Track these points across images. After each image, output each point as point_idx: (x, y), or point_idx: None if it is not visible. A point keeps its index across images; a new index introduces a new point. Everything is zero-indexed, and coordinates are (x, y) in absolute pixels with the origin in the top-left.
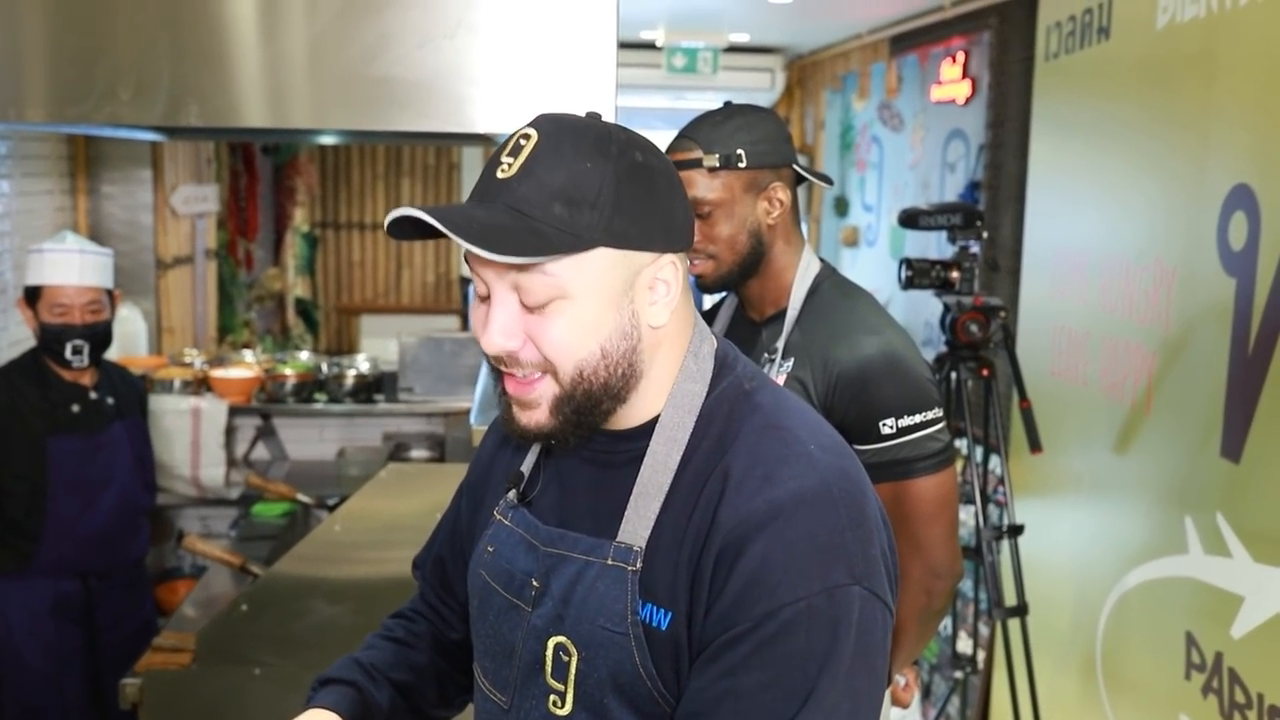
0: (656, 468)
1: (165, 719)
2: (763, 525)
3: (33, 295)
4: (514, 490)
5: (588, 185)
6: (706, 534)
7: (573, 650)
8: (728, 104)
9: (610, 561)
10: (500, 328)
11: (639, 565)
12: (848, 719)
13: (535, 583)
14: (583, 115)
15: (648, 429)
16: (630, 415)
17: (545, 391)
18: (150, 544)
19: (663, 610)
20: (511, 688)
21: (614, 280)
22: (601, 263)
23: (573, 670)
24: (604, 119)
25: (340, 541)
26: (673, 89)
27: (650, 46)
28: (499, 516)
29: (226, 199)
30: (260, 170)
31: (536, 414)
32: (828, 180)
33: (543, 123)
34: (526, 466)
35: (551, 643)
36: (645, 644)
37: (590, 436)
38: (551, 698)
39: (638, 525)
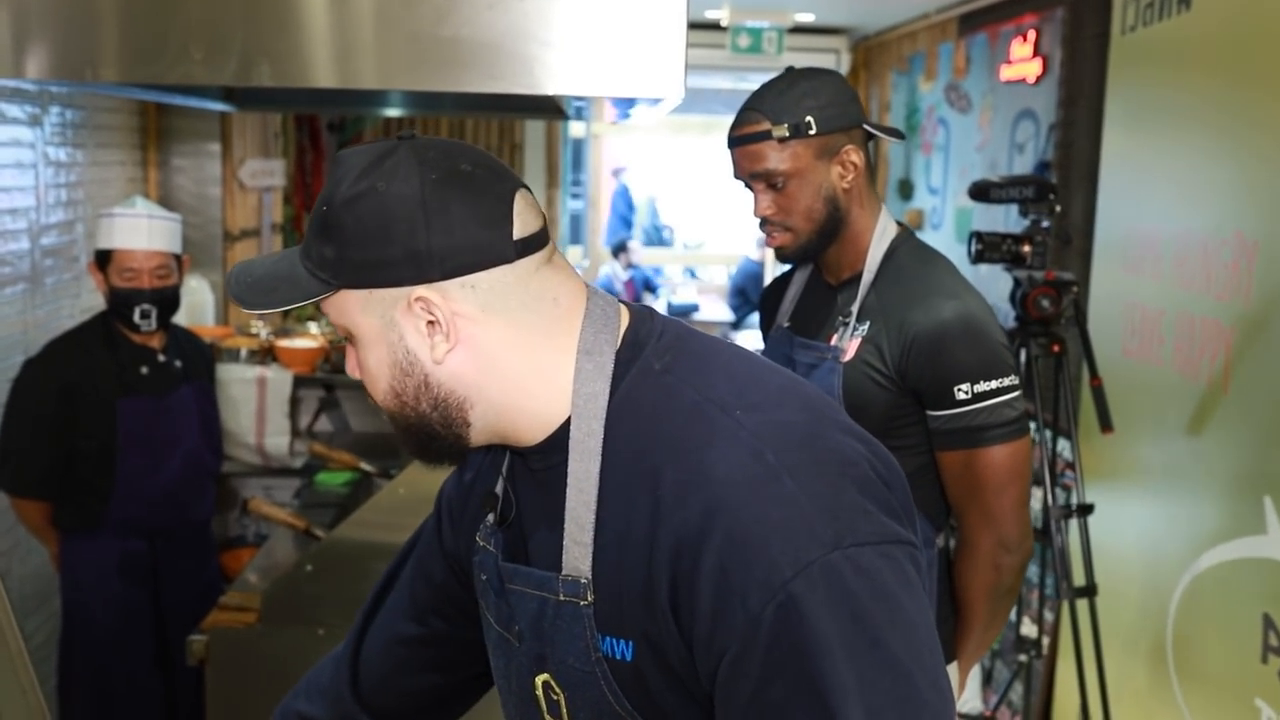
0: (579, 487)
1: (230, 676)
2: (705, 532)
3: (103, 259)
4: (491, 514)
5: (329, 222)
6: (649, 555)
7: (558, 689)
8: (790, 69)
9: (562, 597)
10: (347, 359)
11: (590, 598)
12: (897, 685)
13: (516, 618)
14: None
15: (561, 440)
16: (529, 429)
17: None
18: (215, 508)
19: (623, 641)
20: None
21: (370, 320)
22: (352, 303)
23: (563, 708)
24: (403, 139)
25: (404, 505)
26: (736, 70)
27: (714, 26)
28: (481, 541)
29: (292, 174)
30: (326, 146)
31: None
32: (899, 134)
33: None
34: (500, 486)
35: (539, 681)
36: (613, 679)
37: (519, 453)
38: None
39: (577, 555)
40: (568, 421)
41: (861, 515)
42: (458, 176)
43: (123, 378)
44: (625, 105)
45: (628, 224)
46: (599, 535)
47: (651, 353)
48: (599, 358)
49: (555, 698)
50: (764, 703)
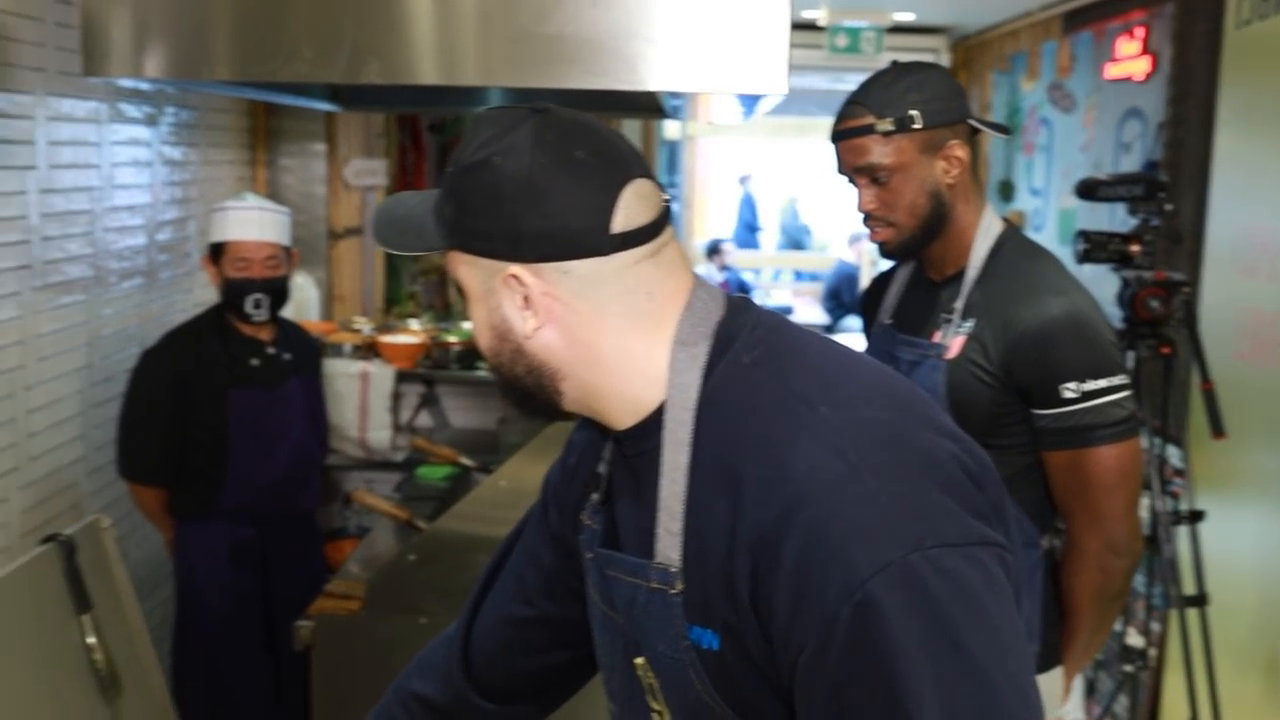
0: (671, 476)
1: (335, 661)
2: (785, 529)
3: (216, 252)
4: (595, 493)
5: (451, 184)
6: (730, 550)
7: (652, 674)
8: (895, 63)
9: (654, 585)
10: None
11: (680, 586)
12: (980, 690)
13: (615, 600)
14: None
15: (655, 424)
16: (620, 412)
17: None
18: (321, 498)
19: (710, 631)
20: (620, 701)
21: (475, 283)
22: (462, 264)
23: (658, 693)
24: (536, 110)
25: (506, 497)
26: (834, 70)
27: (811, 27)
28: (586, 520)
29: (395, 174)
30: (426, 147)
31: None
32: (1005, 130)
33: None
34: (603, 467)
35: (638, 662)
36: (701, 668)
37: (613, 436)
38: (653, 716)
39: (669, 544)
40: (658, 410)
41: (945, 516)
42: (568, 163)
43: (234, 369)
44: (749, 102)
45: (752, 230)
46: (686, 524)
47: (742, 346)
48: (694, 349)
49: (650, 681)
50: (840, 703)
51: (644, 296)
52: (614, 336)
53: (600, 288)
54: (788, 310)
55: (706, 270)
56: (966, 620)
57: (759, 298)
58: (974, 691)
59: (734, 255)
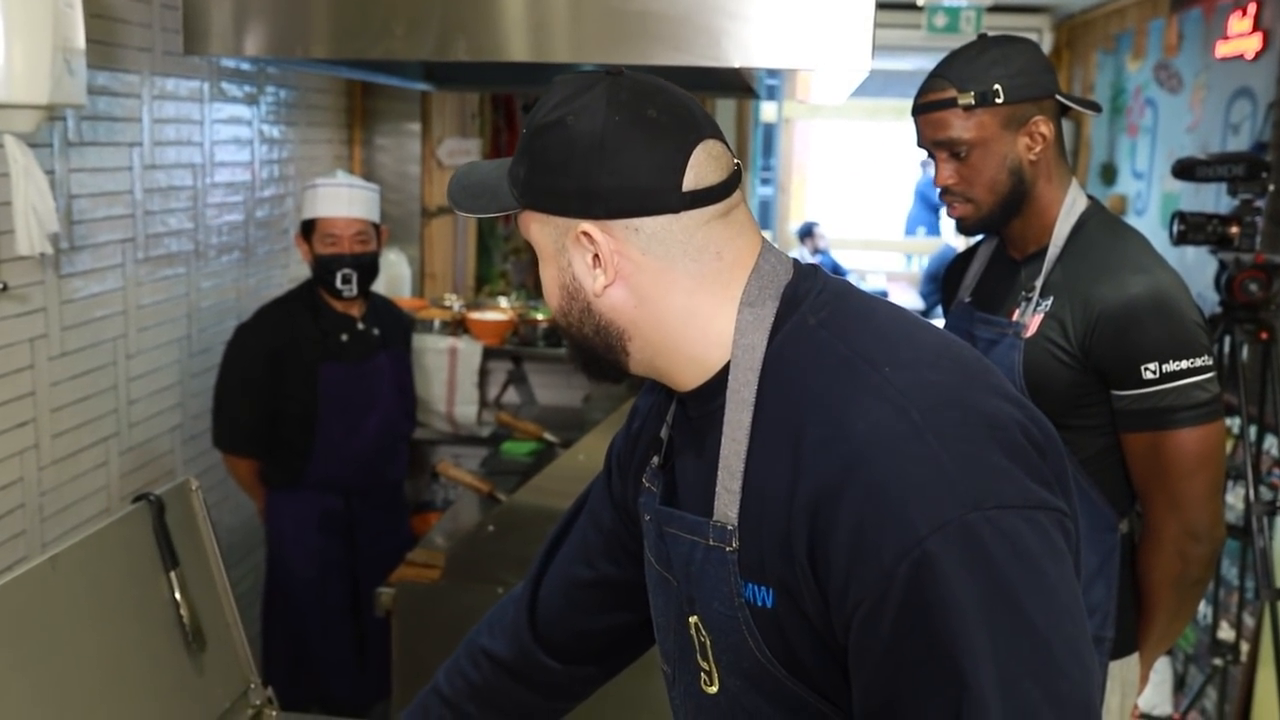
0: (733, 435)
1: (415, 627)
2: (842, 485)
3: (308, 229)
4: (655, 456)
5: (526, 144)
6: (790, 506)
7: (705, 632)
8: (982, 36)
9: (711, 542)
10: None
11: (735, 544)
12: (1035, 651)
13: (672, 559)
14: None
15: (720, 384)
16: (685, 372)
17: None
18: (408, 470)
19: (765, 588)
20: (672, 661)
21: (547, 241)
22: (534, 223)
23: (710, 651)
24: (610, 73)
25: (584, 471)
26: (933, 50)
27: (910, 6)
28: (646, 484)
29: (488, 153)
30: (520, 126)
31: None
32: (1095, 106)
33: None
34: (664, 432)
35: (691, 621)
36: (754, 625)
37: (677, 399)
38: (702, 675)
39: (727, 501)
40: (723, 370)
41: (1005, 478)
42: (641, 121)
43: (325, 344)
44: (841, 82)
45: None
46: (745, 483)
47: (809, 308)
48: (760, 310)
49: (704, 640)
50: (895, 660)
51: (712, 256)
52: (682, 295)
53: (669, 245)
54: (883, 295)
55: (799, 254)
56: (1024, 581)
57: (853, 281)
58: (1029, 652)
59: (828, 238)
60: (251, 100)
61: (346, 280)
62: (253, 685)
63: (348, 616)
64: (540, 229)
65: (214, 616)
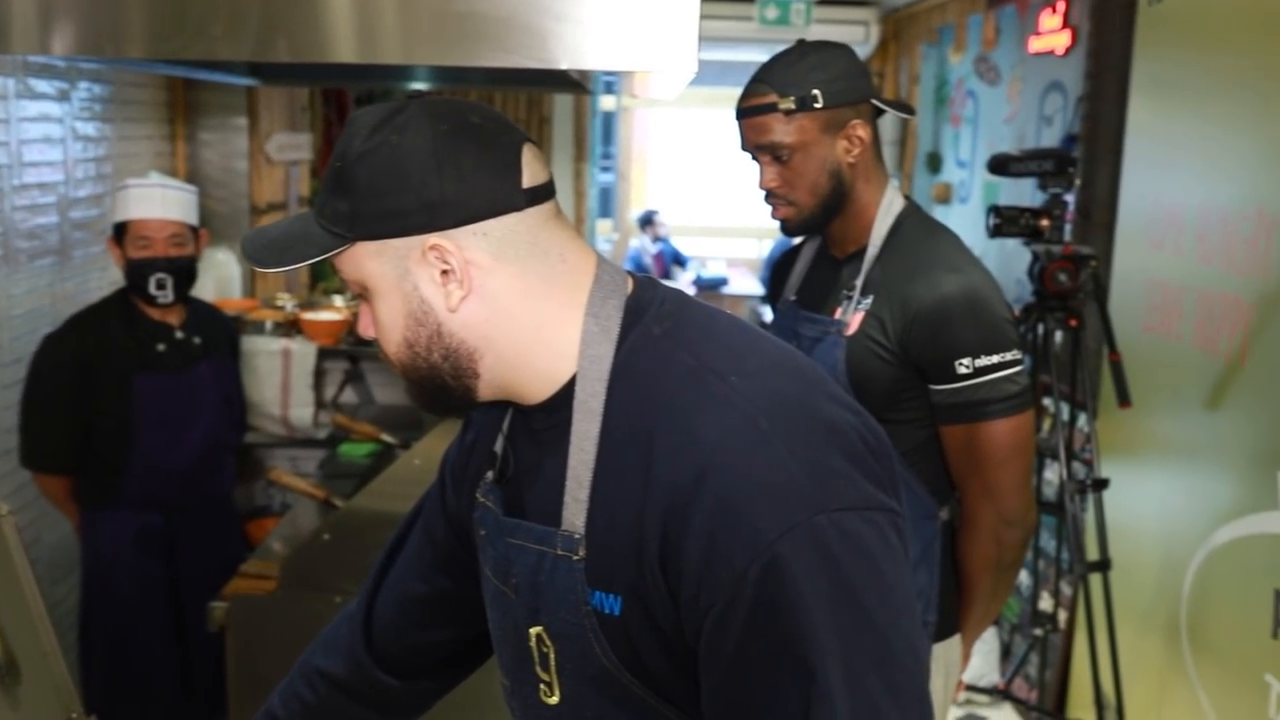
0: (580, 446)
1: (250, 642)
2: (695, 493)
3: (119, 232)
4: (490, 471)
5: (343, 177)
6: (641, 515)
7: (549, 642)
8: (801, 41)
9: (559, 551)
10: (360, 318)
11: (582, 553)
12: (876, 645)
13: (513, 571)
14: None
15: (567, 396)
16: (534, 385)
17: (400, 373)
18: (235, 481)
19: (613, 596)
20: (510, 673)
21: (384, 271)
22: (368, 257)
23: (552, 661)
24: (412, 97)
25: (421, 475)
26: (765, 42)
27: None
28: (481, 498)
29: (320, 147)
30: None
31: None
32: (908, 110)
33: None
34: (499, 445)
35: (532, 633)
36: (601, 633)
37: (522, 411)
38: (541, 687)
39: (575, 511)
40: (570, 382)
41: (847, 481)
42: (467, 128)
43: (139, 354)
44: (673, 79)
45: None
46: (593, 492)
47: (652, 319)
48: (605, 321)
49: (545, 650)
50: (746, 659)
51: (557, 259)
52: (534, 301)
53: (518, 247)
54: (723, 281)
55: (641, 242)
56: (865, 580)
57: (694, 268)
58: (872, 646)
59: (668, 227)
60: (63, 96)
61: (161, 285)
62: (74, 716)
63: (170, 640)
64: (376, 261)
65: (29, 646)
